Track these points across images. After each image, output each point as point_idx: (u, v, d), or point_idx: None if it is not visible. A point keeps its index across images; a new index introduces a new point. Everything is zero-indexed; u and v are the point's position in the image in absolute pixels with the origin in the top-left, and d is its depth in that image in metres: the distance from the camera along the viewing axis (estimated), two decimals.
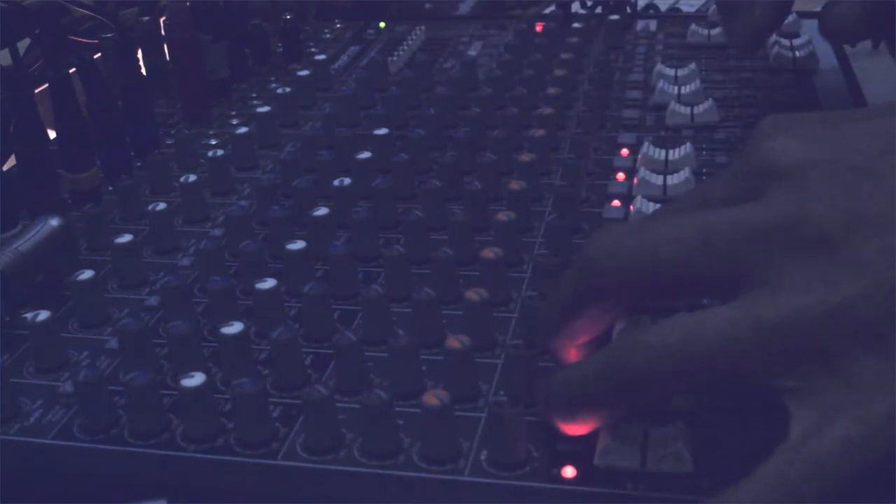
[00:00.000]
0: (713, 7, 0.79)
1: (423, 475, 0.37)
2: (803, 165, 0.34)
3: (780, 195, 0.34)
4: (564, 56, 0.72)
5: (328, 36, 0.86)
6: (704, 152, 0.59)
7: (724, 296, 0.34)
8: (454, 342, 0.41)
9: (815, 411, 0.31)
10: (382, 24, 0.87)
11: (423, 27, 0.85)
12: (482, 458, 0.38)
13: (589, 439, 0.38)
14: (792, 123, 0.37)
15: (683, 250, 0.34)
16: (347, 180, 0.55)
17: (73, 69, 0.61)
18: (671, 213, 0.39)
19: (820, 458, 0.31)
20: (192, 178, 0.57)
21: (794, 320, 0.32)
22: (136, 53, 0.69)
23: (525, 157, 0.56)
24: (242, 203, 0.57)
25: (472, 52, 0.79)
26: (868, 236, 0.32)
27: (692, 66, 0.69)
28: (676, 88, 0.66)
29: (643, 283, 0.36)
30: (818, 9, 0.64)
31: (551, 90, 0.66)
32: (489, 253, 0.47)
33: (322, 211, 0.52)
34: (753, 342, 0.32)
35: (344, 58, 0.81)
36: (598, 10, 0.86)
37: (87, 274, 0.48)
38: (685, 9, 0.96)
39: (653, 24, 0.84)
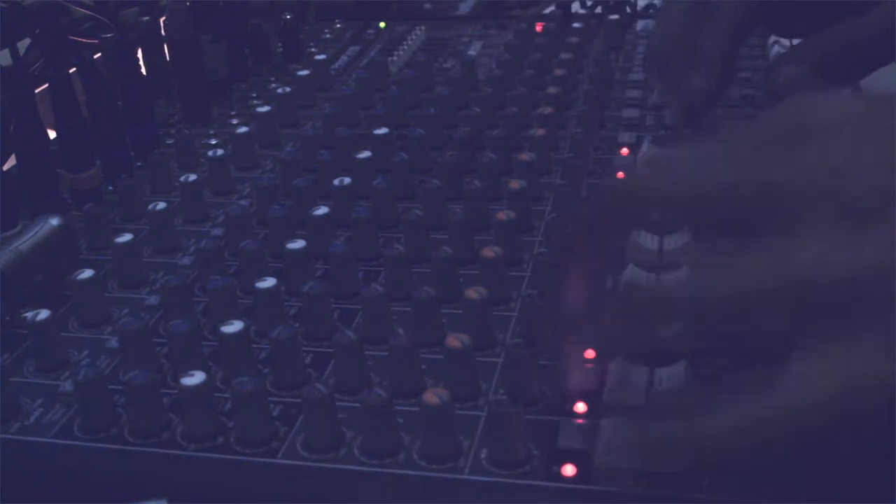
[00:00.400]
0: None
1: (424, 474, 0.37)
2: (838, 123, 0.34)
3: (814, 157, 0.34)
4: (564, 56, 0.72)
5: (328, 36, 0.86)
6: None
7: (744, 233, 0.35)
8: (454, 341, 0.41)
9: (810, 360, 0.32)
10: (382, 24, 0.87)
11: (423, 27, 0.85)
12: (482, 456, 0.38)
13: (590, 438, 0.38)
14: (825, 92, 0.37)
15: (725, 194, 0.35)
16: (347, 180, 0.55)
17: (73, 69, 0.61)
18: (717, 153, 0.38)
19: (798, 398, 0.31)
20: (192, 177, 0.57)
21: (820, 272, 0.32)
22: (136, 53, 0.69)
23: (525, 157, 0.56)
24: (242, 203, 0.57)
25: (472, 52, 0.79)
26: None
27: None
28: None
29: (679, 212, 0.39)
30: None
31: (551, 90, 0.66)
32: (489, 252, 0.47)
33: (322, 210, 0.52)
34: (778, 285, 0.32)
35: (344, 58, 0.81)
36: (598, 10, 0.86)
37: (87, 273, 0.48)
38: None
39: (653, 24, 0.84)
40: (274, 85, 0.75)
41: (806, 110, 0.35)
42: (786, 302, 0.33)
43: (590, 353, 0.42)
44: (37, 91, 0.61)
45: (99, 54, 0.71)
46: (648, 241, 0.48)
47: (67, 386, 0.43)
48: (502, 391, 0.41)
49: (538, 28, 0.81)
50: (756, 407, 0.32)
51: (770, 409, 0.32)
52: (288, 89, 0.70)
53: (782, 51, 0.71)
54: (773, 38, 0.73)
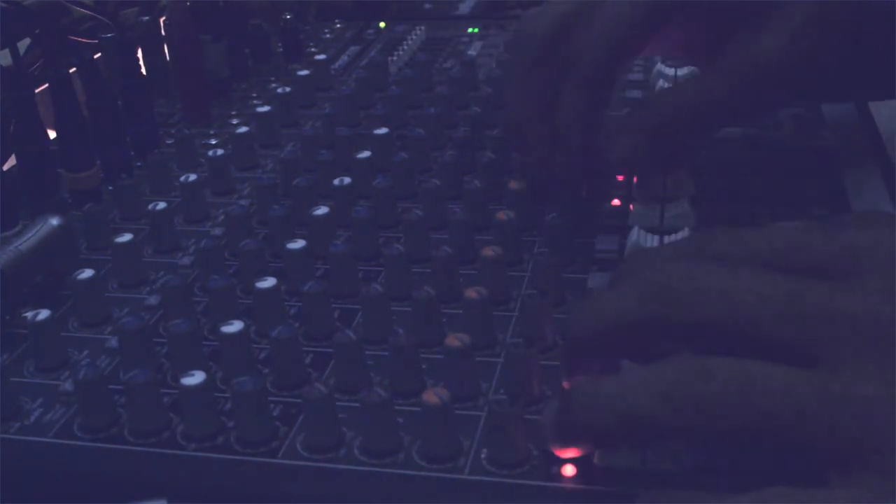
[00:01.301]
0: None
1: (424, 474, 0.37)
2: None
3: (871, 287, 0.33)
4: None
5: (328, 36, 0.86)
6: (703, 151, 0.59)
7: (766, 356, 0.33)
8: (454, 341, 0.41)
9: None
10: (382, 24, 0.87)
11: (423, 27, 0.85)
12: (482, 456, 0.38)
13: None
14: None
15: (767, 312, 0.33)
16: (347, 180, 0.55)
17: (73, 69, 0.61)
18: (755, 263, 0.36)
19: None
20: (192, 177, 0.57)
21: (852, 402, 0.31)
22: (136, 53, 0.69)
23: None
24: (242, 202, 0.57)
25: (472, 52, 0.79)
26: None
27: (678, 80, 0.69)
28: None
29: (712, 329, 0.34)
30: None
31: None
32: (489, 252, 0.47)
33: (322, 210, 0.52)
34: (815, 404, 0.32)
35: (344, 58, 0.81)
36: None
37: (87, 273, 0.48)
38: None
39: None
40: (274, 85, 0.75)
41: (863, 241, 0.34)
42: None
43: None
44: (37, 91, 0.61)
45: (99, 54, 0.71)
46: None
47: (67, 386, 0.43)
48: (502, 391, 0.41)
49: None
50: None
51: None
52: (288, 89, 0.70)
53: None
54: None
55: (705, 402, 0.32)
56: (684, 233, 0.49)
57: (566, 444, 0.37)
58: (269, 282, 0.46)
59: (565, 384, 0.39)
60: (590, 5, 0.52)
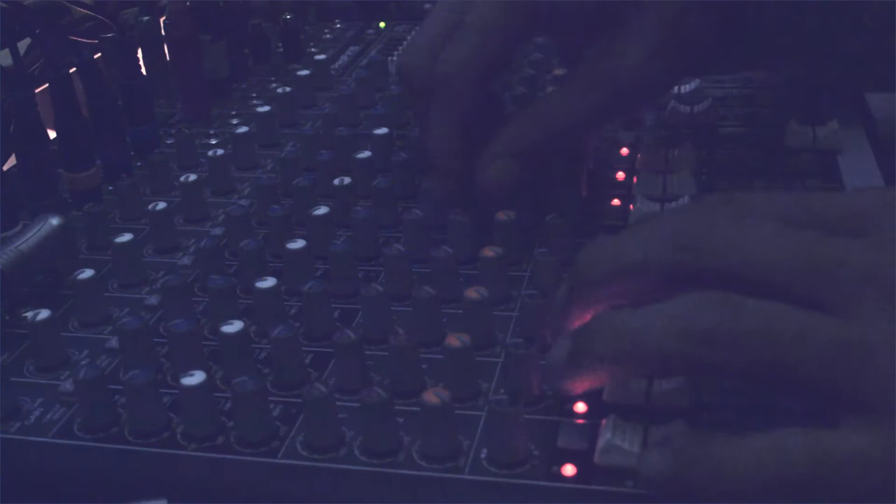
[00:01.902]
0: None
1: (423, 473, 0.37)
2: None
3: (879, 242, 0.34)
4: None
5: (328, 36, 0.86)
6: (704, 152, 0.59)
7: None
8: (454, 341, 0.41)
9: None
10: (382, 24, 0.87)
11: None
12: (482, 456, 0.38)
13: (590, 437, 0.38)
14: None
15: (782, 262, 0.34)
16: (347, 179, 0.55)
17: (73, 69, 0.61)
18: (772, 220, 0.37)
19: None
20: (192, 177, 0.57)
21: (868, 348, 0.32)
22: (136, 53, 0.69)
23: None
24: (242, 202, 0.57)
25: None
26: None
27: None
28: (676, 87, 0.66)
29: (727, 276, 0.35)
30: None
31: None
32: (489, 252, 0.47)
33: (322, 210, 0.52)
34: (832, 347, 0.33)
35: (344, 58, 0.81)
36: None
37: (87, 273, 0.48)
38: None
39: None
40: (274, 85, 0.74)
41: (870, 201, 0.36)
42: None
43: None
44: (37, 91, 0.61)
45: (99, 54, 0.71)
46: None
47: (67, 386, 0.43)
48: (502, 391, 0.41)
49: None
50: (781, 440, 0.32)
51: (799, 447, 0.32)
52: (288, 89, 0.69)
53: None
54: None
55: (731, 338, 0.33)
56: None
57: (580, 375, 0.37)
58: (269, 282, 0.46)
59: (570, 323, 0.39)
60: (449, 28, 0.52)
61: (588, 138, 0.56)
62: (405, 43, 0.56)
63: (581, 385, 0.38)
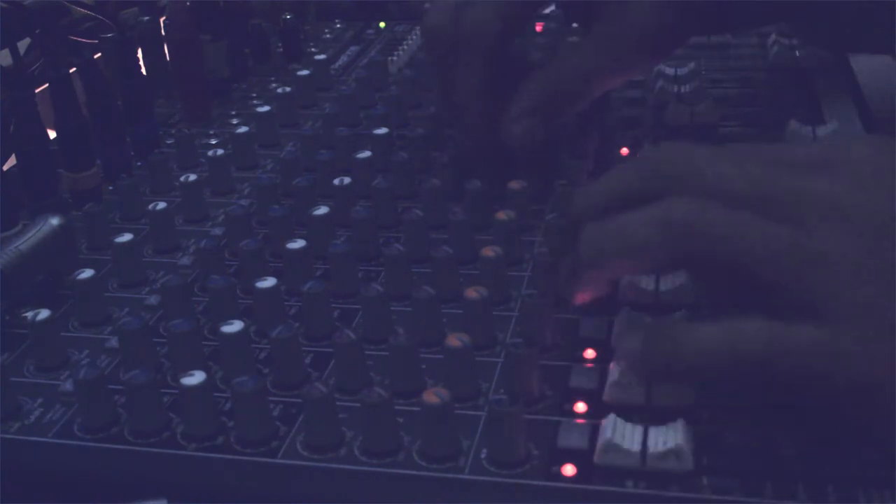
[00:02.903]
0: None
1: (423, 473, 0.37)
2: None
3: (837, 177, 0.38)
4: None
5: (328, 36, 0.86)
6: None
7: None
8: (454, 340, 0.41)
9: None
10: (382, 24, 0.87)
11: None
12: (482, 456, 0.38)
13: (590, 437, 0.38)
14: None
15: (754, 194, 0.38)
16: (347, 180, 0.55)
17: (73, 69, 0.61)
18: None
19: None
20: (192, 177, 0.57)
21: (818, 254, 0.36)
22: (136, 53, 0.69)
23: None
24: (242, 202, 0.57)
25: None
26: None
27: (692, 65, 0.69)
28: (676, 87, 0.66)
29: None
30: None
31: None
32: (489, 252, 0.47)
33: (322, 210, 0.52)
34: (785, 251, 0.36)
35: (344, 58, 0.81)
36: None
37: (87, 273, 0.48)
38: None
39: None
40: (274, 85, 0.75)
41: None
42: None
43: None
44: (37, 91, 0.61)
45: (99, 54, 0.71)
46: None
47: (67, 386, 0.43)
48: (502, 391, 0.41)
49: (538, 28, 0.80)
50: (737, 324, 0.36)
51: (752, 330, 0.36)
52: (288, 89, 0.70)
53: (782, 50, 0.71)
54: (773, 38, 0.73)
55: (701, 227, 0.37)
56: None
57: (582, 282, 0.42)
58: (269, 282, 0.46)
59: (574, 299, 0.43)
60: None
61: (603, 94, 0.59)
62: (427, 7, 0.58)
63: (585, 293, 0.42)
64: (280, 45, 0.81)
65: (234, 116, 0.71)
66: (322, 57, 0.76)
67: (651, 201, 0.39)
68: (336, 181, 0.55)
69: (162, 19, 0.73)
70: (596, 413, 0.39)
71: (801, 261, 0.36)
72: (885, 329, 0.34)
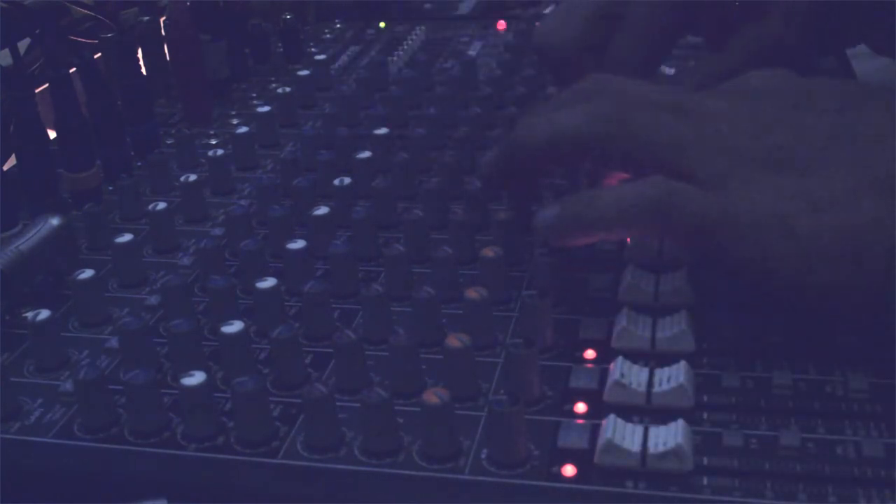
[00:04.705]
0: None
1: (424, 474, 0.37)
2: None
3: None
4: None
5: (328, 36, 0.86)
6: None
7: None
8: (454, 341, 0.41)
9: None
10: (382, 24, 0.87)
11: (423, 27, 0.85)
12: (482, 456, 0.38)
13: (590, 437, 0.38)
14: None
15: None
16: (347, 180, 0.55)
17: (73, 69, 0.61)
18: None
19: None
20: (193, 177, 0.57)
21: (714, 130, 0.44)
22: (136, 53, 0.69)
23: None
24: (242, 202, 0.57)
25: (471, 52, 0.79)
26: None
27: (691, 65, 0.69)
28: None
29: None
30: None
31: (551, 90, 0.66)
32: (489, 252, 0.47)
33: (322, 210, 0.52)
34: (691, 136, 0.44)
35: (344, 58, 0.81)
36: None
37: (87, 273, 0.48)
38: None
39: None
40: (274, 85, 0.75)
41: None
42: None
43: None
44: (37, 91, 0.61)
45: (99, 54, 0.71)
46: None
47: (67, 386, 0.43)
48: (502, 391, 0.41)
49: None
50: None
51: None
52: (288, 89, 0.70)
53: None
54: None
55: (619, 117, 0.44)
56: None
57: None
58: (269, 282, 0.46)
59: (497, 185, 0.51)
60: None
61: None
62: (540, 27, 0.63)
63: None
64: (280, 45, 0.81)
65: (234, 116, 0.71)
66: (322, 57, 0.76)
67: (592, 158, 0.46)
68: (336, 181, 0.55)
69: (162, 19, 0.73)
70: (596, 413, 0.39)
71: (702, 149, 0.43)
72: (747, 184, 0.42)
